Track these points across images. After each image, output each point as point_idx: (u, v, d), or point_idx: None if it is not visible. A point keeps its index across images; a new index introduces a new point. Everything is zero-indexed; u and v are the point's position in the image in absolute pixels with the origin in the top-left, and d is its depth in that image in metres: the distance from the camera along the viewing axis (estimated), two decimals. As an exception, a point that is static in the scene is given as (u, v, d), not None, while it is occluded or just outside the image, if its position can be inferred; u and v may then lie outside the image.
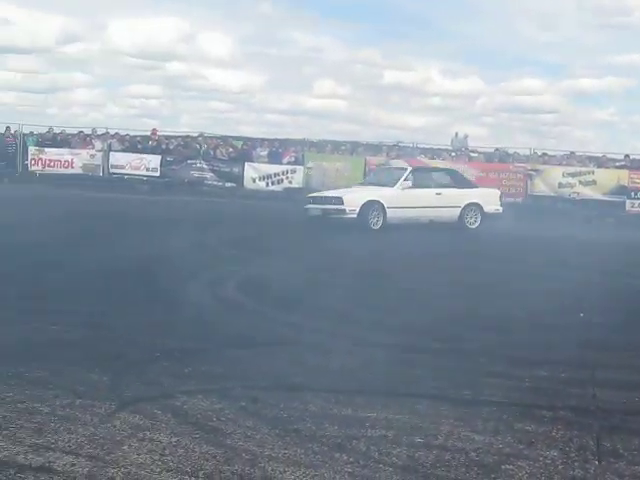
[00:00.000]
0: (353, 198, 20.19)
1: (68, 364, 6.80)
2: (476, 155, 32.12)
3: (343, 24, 79.05)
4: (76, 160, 31.43)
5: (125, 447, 5.05)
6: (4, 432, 5.23)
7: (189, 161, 30.68)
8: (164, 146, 32.29)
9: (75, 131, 34.23)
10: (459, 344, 8.20)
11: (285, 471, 4.77)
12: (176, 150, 32.18)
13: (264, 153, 31.52)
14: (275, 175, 30.38)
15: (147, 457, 4.91)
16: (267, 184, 30.44)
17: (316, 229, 19.46)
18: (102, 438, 5.18)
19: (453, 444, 5.31)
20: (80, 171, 31.12)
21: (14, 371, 6.53)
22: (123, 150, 32.00)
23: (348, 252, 15.26)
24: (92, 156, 31.55)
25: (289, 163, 30.83)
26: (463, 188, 22.03)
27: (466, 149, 32.54)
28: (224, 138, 34.02)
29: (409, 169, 22.21)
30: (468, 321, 9.33)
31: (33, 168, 31.72)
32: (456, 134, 34.20)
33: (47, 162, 31.59)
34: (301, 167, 30.33)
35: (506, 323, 9.14)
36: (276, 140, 34.03)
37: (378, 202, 20.06)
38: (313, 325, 8.72)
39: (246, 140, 34.53)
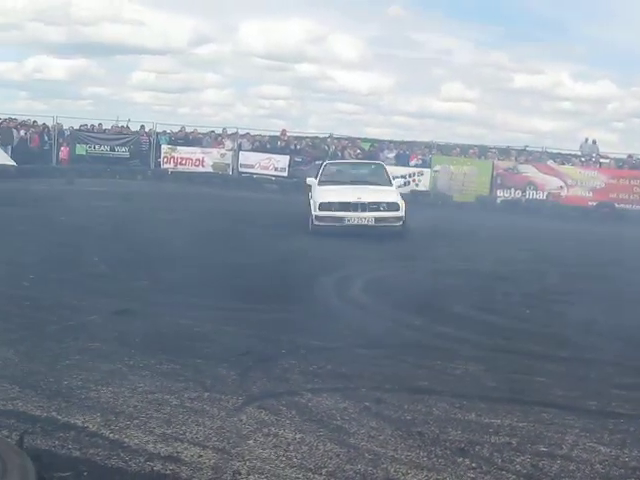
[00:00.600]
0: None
1: (197, 357, 6.97)
2: (607, 161, 31.29)
3: (472, 26, 78.50)
4: (207, 159, 32.03)
5: (250, 441, 5.15)
6: (135, 421, 5.41)
7: (317, 162, 30.87)
8: (293, 146, 32.62)
9: (206, 130, 34.91)
10: (587, 353, 8.05)
11: (407, 473, 4.78)
12: (304, 151, 32.45)
13: (391, 155, 31.48)
14: (402, 177, 30.34)
15: (272, 452, 5.00)
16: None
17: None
18: (229, 431, 5.29)
19: (578, 455, 5.23)
20: (210, 170, 31.68)
21: (145, 363, 6.73)
22: (252, 150, 32.45)
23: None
24: (222, 155, 32.09)
25: (416, 166, 30.71)
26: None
27: (596, 155, 31.77)
28: (352, 140, 34.14)
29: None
30: (596, 329, 9.14)
31: (165, 166, 32.46)
32: (586, 139, 33.42)
33: (179, 160, 32.29)
34: (428, 170, 30.16)
35: (637, 332, 8.90)
36: (403, 142, 34.00)
37: None
38: (438, 329, 8.70)
39: (374, 142, 34.57)
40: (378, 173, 19.55)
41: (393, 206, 17.11)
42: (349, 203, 17.05)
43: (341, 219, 16.86)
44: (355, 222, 16.88)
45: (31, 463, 4.02)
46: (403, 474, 4.77)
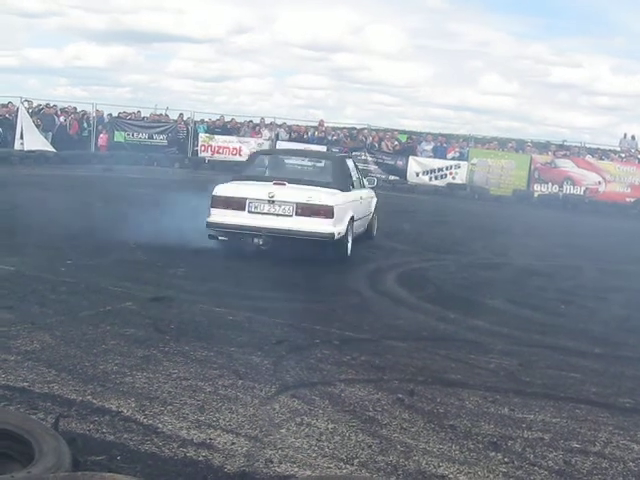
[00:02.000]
0: None
1: (231, 345, 7.00)
2: (646, 157, 30.97)
3: (511, 18, 78.02)
4: (244, 148, 32.13)
5: (283, 430, 5.18)
6: (169, 407, 5.45)
7: (354, 153, 30.88)
8: (330, 137, 32.63)
9: (243, 119, 35.02)
10: (622, 350, 8.00)
11: (439, 466, 4.79)
12: (341, 141, 32.46)
13: (429, 147, 31.42)
14: (439, 170, 30.27)
15: (304, 441, 5.02)
16: (430, 179, 30.36)
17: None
18: (261, 420, 5.32)
19: (611, 452, 5.21)
20: (246, 159, 31.79)
21: (180, 349, 6.78)
22: (290, 140, 32.50)
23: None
24: (260, 145, 32.13)
25: (453, 158, 30.64)
26: None
27: (635, 150, 31.46)
28: (389, 131, 34.11)
29: None
30: (631, 325, 9.09)
31: (202, 154, 32.64)
32: (625, 135, 33.14)
33: (216, 149, 32.47)
34: (465, 163, 30.08)
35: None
36: (441, 135, 33.90)
37: None
38: (471, 322, 8.68)
39: (411, 134, 34.52)
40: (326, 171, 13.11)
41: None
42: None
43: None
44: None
45: (66, 446, 4.06)
46: (434, 467, 4.77)
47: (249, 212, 11.64)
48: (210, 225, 11.72)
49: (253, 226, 11.50)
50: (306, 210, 11.51)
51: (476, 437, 5.29)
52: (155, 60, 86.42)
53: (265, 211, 11.60)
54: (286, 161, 14.00)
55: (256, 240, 11.64)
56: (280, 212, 11.57)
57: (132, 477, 3.82)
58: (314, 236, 11.41)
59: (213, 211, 11.79)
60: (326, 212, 11.50)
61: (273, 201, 11.56)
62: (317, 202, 11.56)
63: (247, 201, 11.66)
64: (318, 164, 13.65)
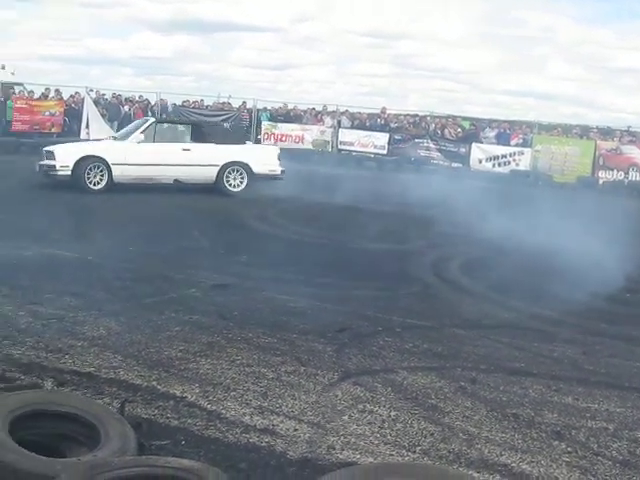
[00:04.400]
0: (66, 153, 17.11)
1: (294, 332, 7.05)
2: None
3: (576, 2, 76.69)
4: (306, 136, 32.14)
5: (345, 417, 5.21)
6: (232, 393, 5.51)
7: (417, 140, 30.69)
8: (392, 124, 32.51)
9: (306, 107, 35.02)
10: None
11: (501, 455, 4.78)
12: (404, 129, 32.31)
13: (492, 134, 31.09)
14: (502, 157, 29.93)
15: (366, 428, 5.04)
16: (493, 165, 30.06)
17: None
18: (324, 406, 5.36)
19: (677, 442, 5.15)
20: (310, 147, 31.81)
21: (243, 336, 6.85)
22: (352, 127, 32.44)
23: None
24: (322, 132, 32.13)
25: (517, 145, 30.28)
26: (224, 144, 18.51)
27: (703, 136, 30.77)
28: (452, 118, 33.84)
29: (150, 120, 18.80)
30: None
31: (265, 142, 32.73)
32: (693, 120, 32.44)
33: (279, 136, 32.52)
34: (529, 149, 29.70)
35: None
36: (504, 121, 33.51)
37: (100, 158, 16.91)
38: (535, 310, 8.61)
39: (474, 120, 34.19)
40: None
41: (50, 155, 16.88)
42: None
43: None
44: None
45: (132, 430, 4.14)
46: (497, 455, 4.76)
47: None
48: None
49: None
50: None
51: (539, 426, 5.26)
52: (218, 49, 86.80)
53: None
54: None
55: None
56: None
57: (196, 462, 3.87)
58: None
59: None
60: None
61: None
62: None
63: None
64: None
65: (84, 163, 16.60)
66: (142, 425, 4.68)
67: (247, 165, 18.32)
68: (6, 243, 10.19)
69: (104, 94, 32.18)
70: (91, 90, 30.92)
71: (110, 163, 16.79)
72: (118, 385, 5.54)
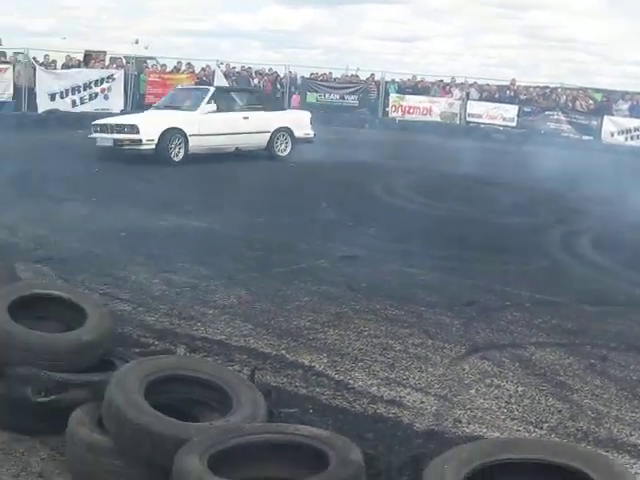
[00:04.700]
0: (150, 126, 17.04)
1: (421, 305, 7.06)
2: None
3: None
4: (434, 108, 31.86)
5: (472, 391, 5.20)
6: (360, 364, 5.57)
7: (547, 112, 30.06)
8: (522, 96, 31.92)
9: (434, 79, 34.71)
10: None
11: (631, 435, 4.70)
12: (534, 101, 31.69)
13: (625, 107, 30.20)
14: (635, 130, 29.06)
15: (493, 403, 5.03)
16: (626, 139, 29.21)
17: None
18: (451, 380, 5.36)
19: None
20: (437, 119, 31.53)
21: (371, 307, 6.90)
22: (480, 99, 32.01)
23: None
24: (450, 104, 31.80)
25: (652, 118, 29.37)
26: (272, 110, 19.42)
27: None
28: (583, 89, 32.98)
29: (211, 89, 19.00)
30: None
31: (393, 115, 32.59)
32: None
33: (407, 109, 32.34)
34: (665, 123, 28.80)
35: None
36: (638, 93, 32.46)
37: (179, 129, 16.95)
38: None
39: (606, 92, 33.25)
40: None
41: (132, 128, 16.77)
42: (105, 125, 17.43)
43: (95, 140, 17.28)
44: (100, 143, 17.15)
45: (262, 397, 4.22)
46: (626, 435, 4.69)
47: None
48: None
49: None
50: None
51: (671, 407, 5.14)
52: (345, 21, 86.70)
53: None
54: None
55: None
56: None
57: (324, 430, 3.92)
58: None
59: None
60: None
61: None
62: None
63: None
64: None
65: (168, 135, 16.74)
66: (272, 393, 4.77)
67: (290, 130, 18.96)
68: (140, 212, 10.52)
69: (234, 67, 32.62)
70: (221, 63, 31.40)
71: (187, 134, 16.95)
72: (248, 353, 5.66)
